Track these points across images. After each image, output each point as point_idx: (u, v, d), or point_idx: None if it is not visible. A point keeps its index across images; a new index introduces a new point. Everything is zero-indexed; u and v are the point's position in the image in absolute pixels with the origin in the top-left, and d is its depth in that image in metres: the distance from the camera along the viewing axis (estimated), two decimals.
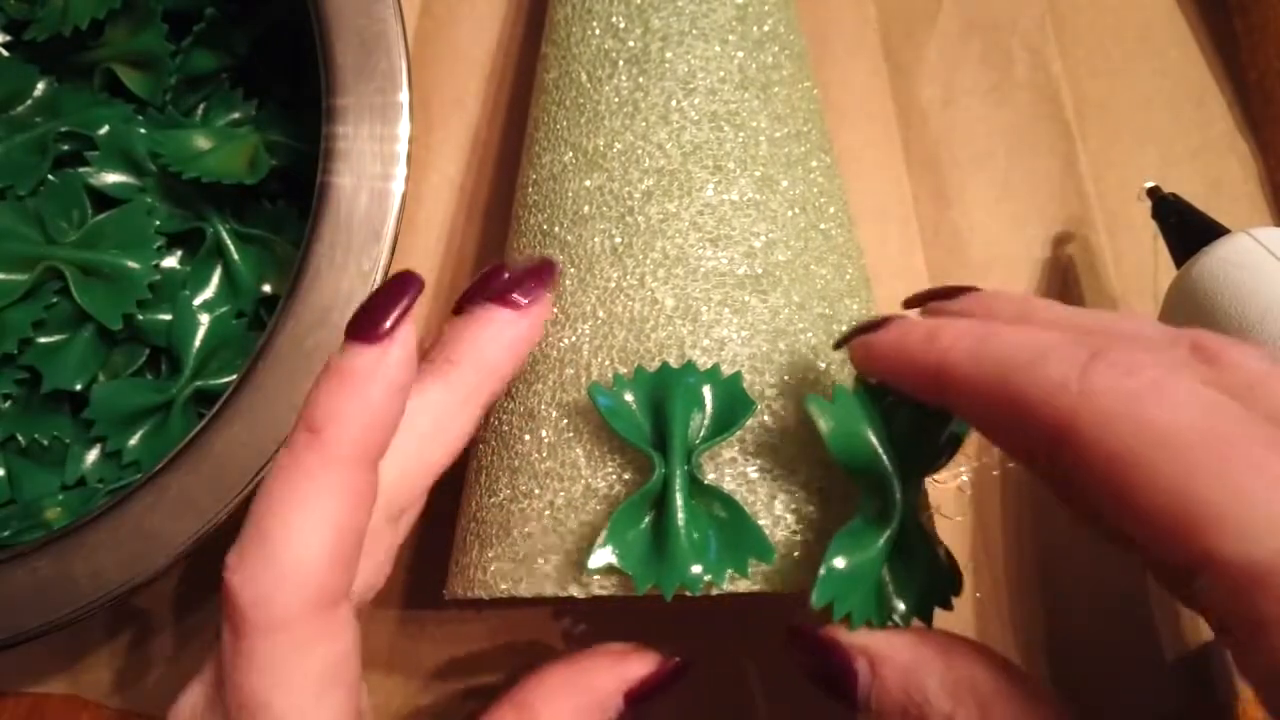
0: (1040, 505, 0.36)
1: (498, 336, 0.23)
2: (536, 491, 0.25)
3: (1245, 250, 0.29)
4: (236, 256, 0.32)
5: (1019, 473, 0.36)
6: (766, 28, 0.30)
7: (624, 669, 0.24)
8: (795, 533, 0.24)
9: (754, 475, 0.24)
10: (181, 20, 0.32)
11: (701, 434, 0.24)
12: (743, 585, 0.23)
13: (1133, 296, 0.38)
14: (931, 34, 0.40)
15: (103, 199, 0.32)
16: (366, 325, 0.21)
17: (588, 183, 0.28)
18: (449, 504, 0.33)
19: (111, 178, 0.32)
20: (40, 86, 0.33)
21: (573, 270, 0.27)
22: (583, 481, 0.24)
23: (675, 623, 0.33)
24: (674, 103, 0.28)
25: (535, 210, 0.29)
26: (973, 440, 0.36)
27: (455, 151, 0.37)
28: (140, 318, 0.32)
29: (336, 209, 0.27)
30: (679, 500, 0.23)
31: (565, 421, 0.25)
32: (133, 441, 0.31)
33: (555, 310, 0.27)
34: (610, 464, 0.24)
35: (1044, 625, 0.35)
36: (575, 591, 0.23)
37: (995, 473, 0.36)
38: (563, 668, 0.24)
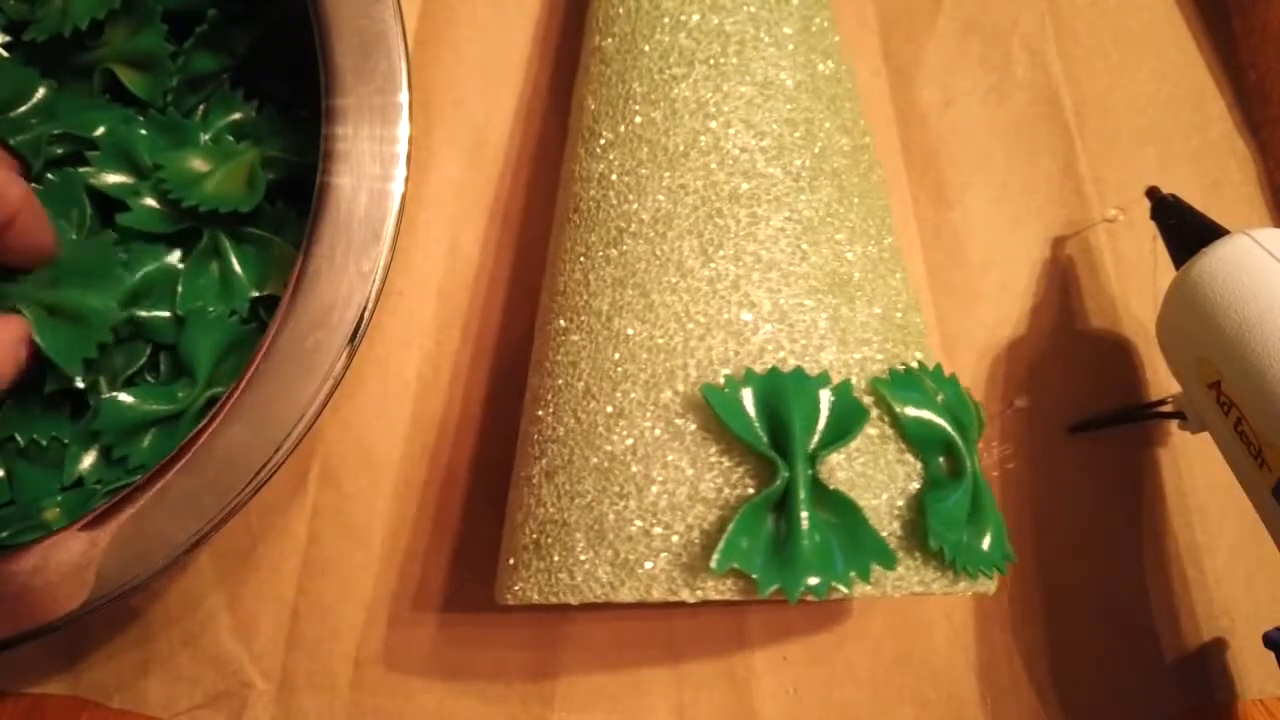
0: (1040, 506, 0.36)
1: None
2: (633, 492, 0.25)
3: (1245, 251, 0.29)
4: (234, 257, 0.32)
5: (1019, 474, 0.36)
6: (827, 41, 0.31)
7: None
8: (899, 535, 0.24)
9: (860, 481, 0.24)
10: (182, 21, 0.32)
11: (817, 440, 0.24)
12: (860, 590, 0.24)
13: (1132, 297, 0.38)
14: (931, 35, 0.40)
15: (103, 199, 0.32)
16: None
17: (668, 180, 0.27)
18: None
19: (111, 178, 0.32)
20: (40, 88, 0.33)
21: (656, 268, 0.27)
22: (687, 484, 0.24)
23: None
24: (754, 106, 0.28)
25: (605, 206, 0.28)
26: None
27: (455, 151, 0.37)
28: (141, 315, 0.32)
29: (336, 209, 0.27)
30: (803, 504, 0.23)
31: (663, 423, 0.25)
32: (140, 448, 0.31)
33: (641, 309, 0.26)
34: (717, 467, 0.24)
35: (1044, 626, 0.35)
36: (686, 596, 0.23)
37: (995, 474, 0.36)
38: None
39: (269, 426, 0.26)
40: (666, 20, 0.29)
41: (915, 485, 0.25)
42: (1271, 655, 0.31)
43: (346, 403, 0.34)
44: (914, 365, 0.27)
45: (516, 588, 0.26)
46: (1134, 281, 0.38)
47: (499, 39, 0.38)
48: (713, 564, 0.23)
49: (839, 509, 0.24)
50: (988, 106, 0.39)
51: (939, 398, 0.26)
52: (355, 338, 0.26)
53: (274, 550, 0.33)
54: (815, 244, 0.27)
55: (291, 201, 0.33)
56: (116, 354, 0.32)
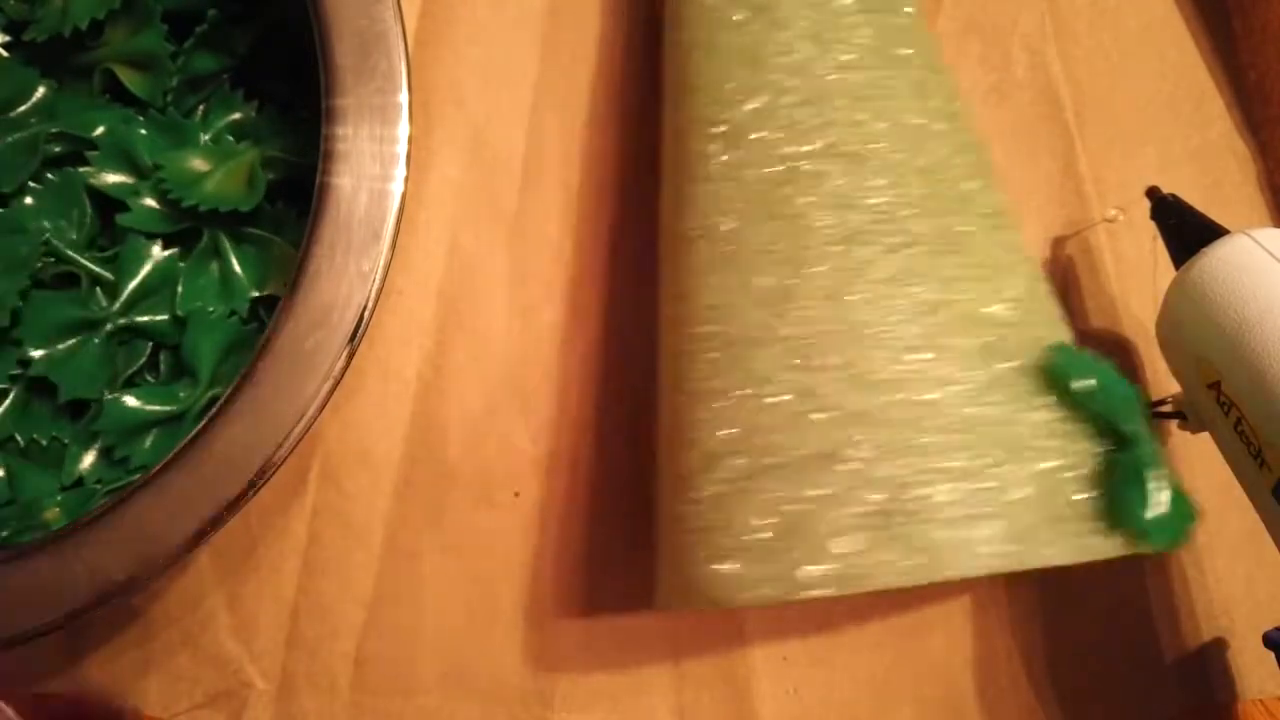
0: None
1: None
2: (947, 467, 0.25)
3: (1245, 251, 0.29)
4: (234, 257, 0.32)
5: None
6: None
7: None
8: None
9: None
10: (182, 21, 0.32)
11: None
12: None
13: (1132, 297, 0.38)
14: (932, 34, 0.40)
15: (103, 199, 0.32)
16: None
17: (847, 222, 0.28)
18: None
19: (111, 178, 0.32)
20: (40, 87, 0.33)
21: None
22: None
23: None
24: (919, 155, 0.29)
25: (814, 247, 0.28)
26: None
27: (455, 151, 0.37)
28: (139, 320, 0.32)
29: (336, 209, 0.27)
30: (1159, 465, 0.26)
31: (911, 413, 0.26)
32: (142, 449, 0.31)
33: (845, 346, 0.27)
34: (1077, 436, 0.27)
35: (1044, 627, 0.35)
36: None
37: None
38: None
39: (269, 426, 0.26)
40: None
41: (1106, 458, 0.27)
42: (1271, 655, 0.31)
43: (346, 403, 0.34)
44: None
45: (750, 590, 0.26)
46: (1134, 281, 0.38)
47: (499, 39, 0.38)
48: (1132, 522, 0.25)
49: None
50: (988, 106, 0.39)
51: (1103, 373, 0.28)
52: (355, 338, 0.26)
53: (274, 550, 0.33)
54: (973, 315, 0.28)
55: (291, 201, 0.33)
56: (117, 354, 0.32)
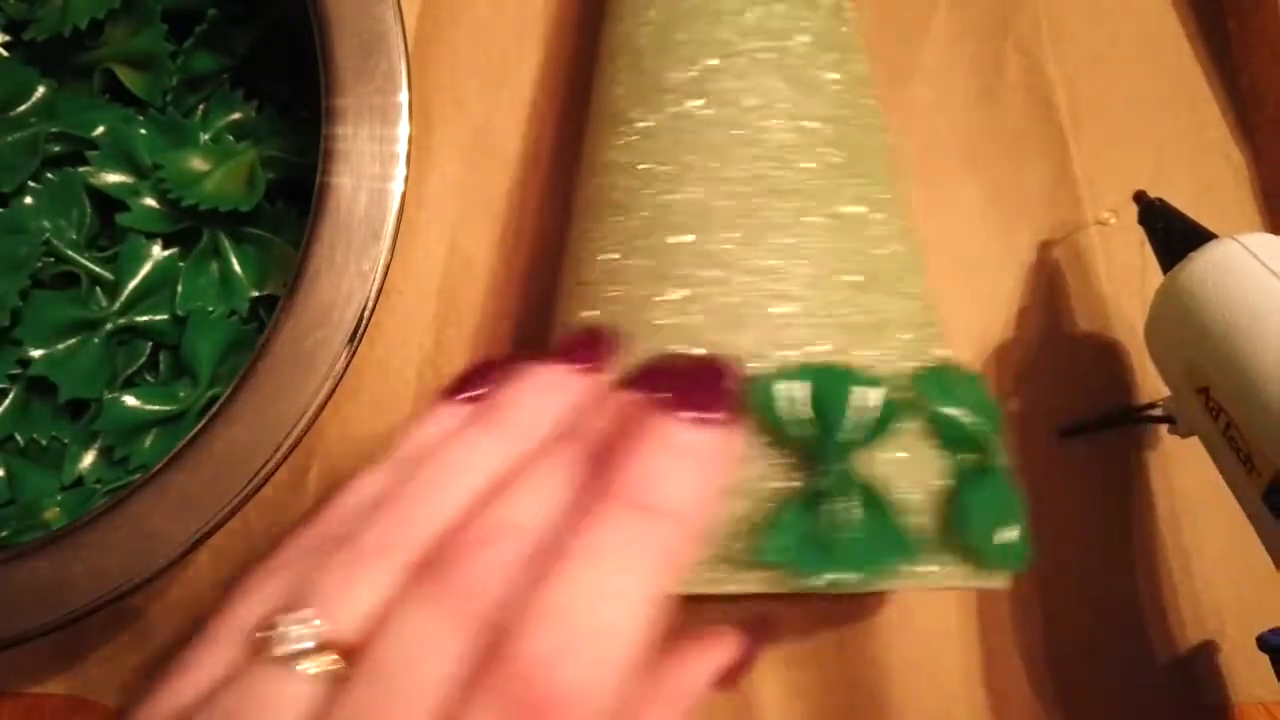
0: (1032, 509, 0.36)
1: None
2: None
3: (1232, 256, 0.29)
4: (233, 256, 0.32)
5: (1017, 470, 0.36)
6: (856, 41, 0.31)
7: (711, 656, 0.24)
8: (931, 530, 0.25)
9: (896, 475, 0.25)
10: (182, 20, 0.32)
11: (859, 435, 0.24)
12: (896, 583, 0.24)
13: (1124, 300, 0.38)
14: (926, 36, 0.40)
15: (103, 198, 0.32)
16: (706, 400, 0.18)
17: (707, 171, 0.28)
18: None
19: (111, 178, 0.32)
20: (39, 87, 0.33)
21: (694, 260, 0.27)
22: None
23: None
24: (795, 101, 0.28)
25: (641, 197, 0.28)
26: None
27: (455, 151, 0.37)
28: (139, 319, 0.32)
29: (336, 209, 0.27)
30: (844, 497, 0.23)
31: None
32: (142, 449, 0.31)
33: (676, 299, 0.26)
34: (762, 460, 0.24)
35: (1040, 629, 0.35)
36: (732, 589, 0.23)
37: None
38: (650, 670, 0.21)
39: (269, 426, 0.26)
40: (705, 11, 0.29)
41: (947, 480, 0.25)
42: (1260, 658, 0.30)
43: (346, 403, 0.34)
44: (944, 362, 0.27)
45: None
46: (1126, 285, 0.38)
47: (499, 39, 0.38)
48: (755, 555, 0.23)
49: (872, 503, 0.24)
50: (982, 108, 0.39)
51: (971, 394, 0.26)
52: (355, 337, 0.26)
53: (274, 550, 0.33)
54: (853, 239, 0.27)
55: (291, 201, 0.33)
56: (117, 354, 0.32)
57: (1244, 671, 0.35)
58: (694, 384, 0.18)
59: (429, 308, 0.36)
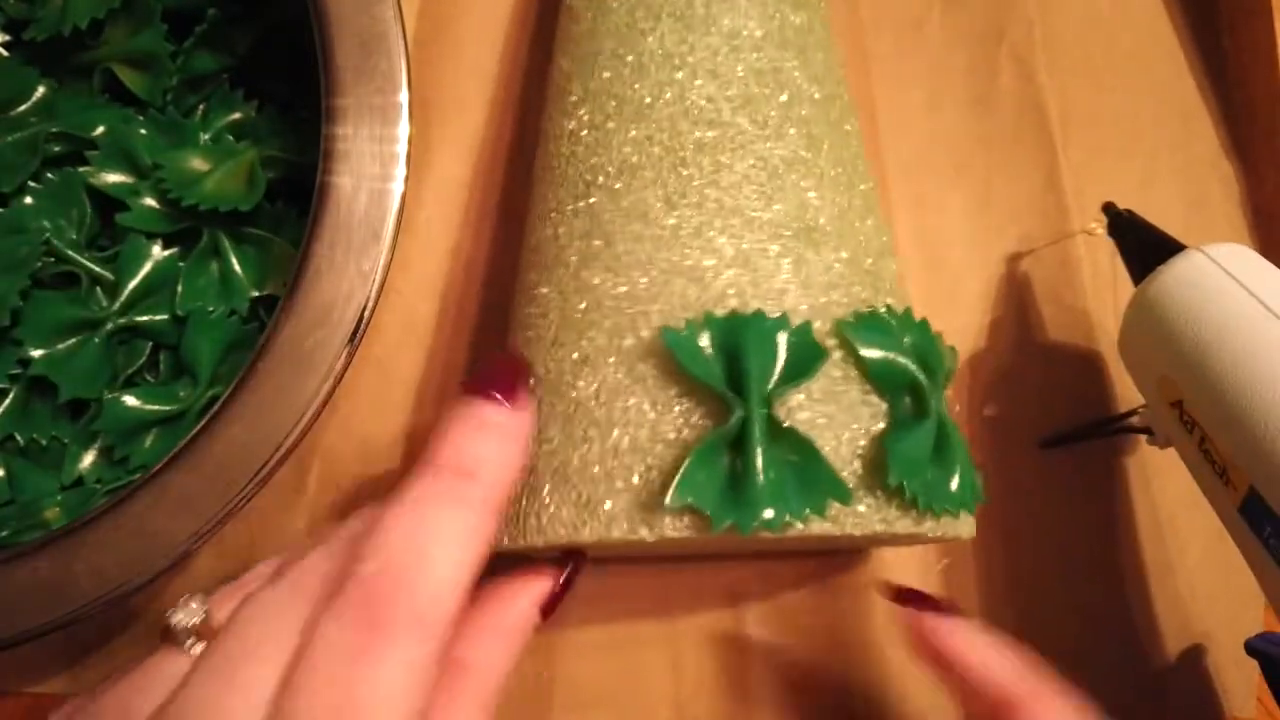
0: (1009, 516, 0.36)
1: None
2: (596, 436, 0.25)
3: (1199, 269, 0.29)
4: (234, 256, 0.32)
5: (987, 480, 0.36)
6: None
7: (531, 587, 0.26)
8: (860, 474, 0.25)
9: (821, 421, 0.25)
10: (182, 20, 0.32)
11: (775, 380, 0.24)
12: (818, 526, 0.24)
13: (1108, 310, 0.38)
14: (919, 42, 0.40)
15: (103, 198, 0.32)
16: (505, 388, 0.24)
17: (634, 133, 0.28)
18: None
19: (111, 178, 0.32)
20: (39, 87, 0.33)
21: (622, 220, 0.27)
22: (648, 426, 0.24)
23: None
24: (720, 57, 0.28)
25: (574, 161, 0.29)
26: None
27: (455, 151, 0.37)
28: (139, 319, 0.32)
29: (336, 209, 0.27)
30: (758, 441, 0.23)
31: (625, 368, 0.25)
32: (142, 448, 0.31)
33: (607, 259, 0.27)
34: (677, 408, 0.24)
35: (1023, 638, 0.35)
36: (645, 534, 0.24)
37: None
38: (480, 605, 0.25)
39: (269, 426, 0.26)
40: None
41: (879, 425, 0.25)
42: (1250, 662, 0.30)
43: (346, 402, 0.34)
44: (881, 309, 0.27)
45: (496, 537, 0.26)
46: (1110, 295, 0.38)
47: (499, 39, 0.38)
48: (667, 500, 0.23)
49: (797, 447, 0.24)
50: (973, 114, 0.39)
51: (905, 339, 0.26)
52: (355, 337, 0.26)
53: (274, 550, 0.33)
54: (780, 190, 0.27)
55: (291, 201, 0.33)
56: (117, 354, 0.32)
57: (1233, 677, 0.35)
58: (494, 374, 0.24)
59: (429, 308, 0.36)
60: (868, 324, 0.26)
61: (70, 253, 0.32)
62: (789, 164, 0.28)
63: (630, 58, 0.29)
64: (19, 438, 0.31)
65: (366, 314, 0.27)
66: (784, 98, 0.29)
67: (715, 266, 0.26)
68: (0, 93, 0.32)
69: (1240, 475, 0.27)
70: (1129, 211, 0.33)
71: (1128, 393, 0.37)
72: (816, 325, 0.25)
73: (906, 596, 0.28)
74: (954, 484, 0.26)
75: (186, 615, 0.21)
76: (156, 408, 0.31)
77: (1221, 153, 0.40)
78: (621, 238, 0.27)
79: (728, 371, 0.24)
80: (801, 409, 0.25)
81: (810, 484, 0.24)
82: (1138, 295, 0.31)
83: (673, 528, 0.23)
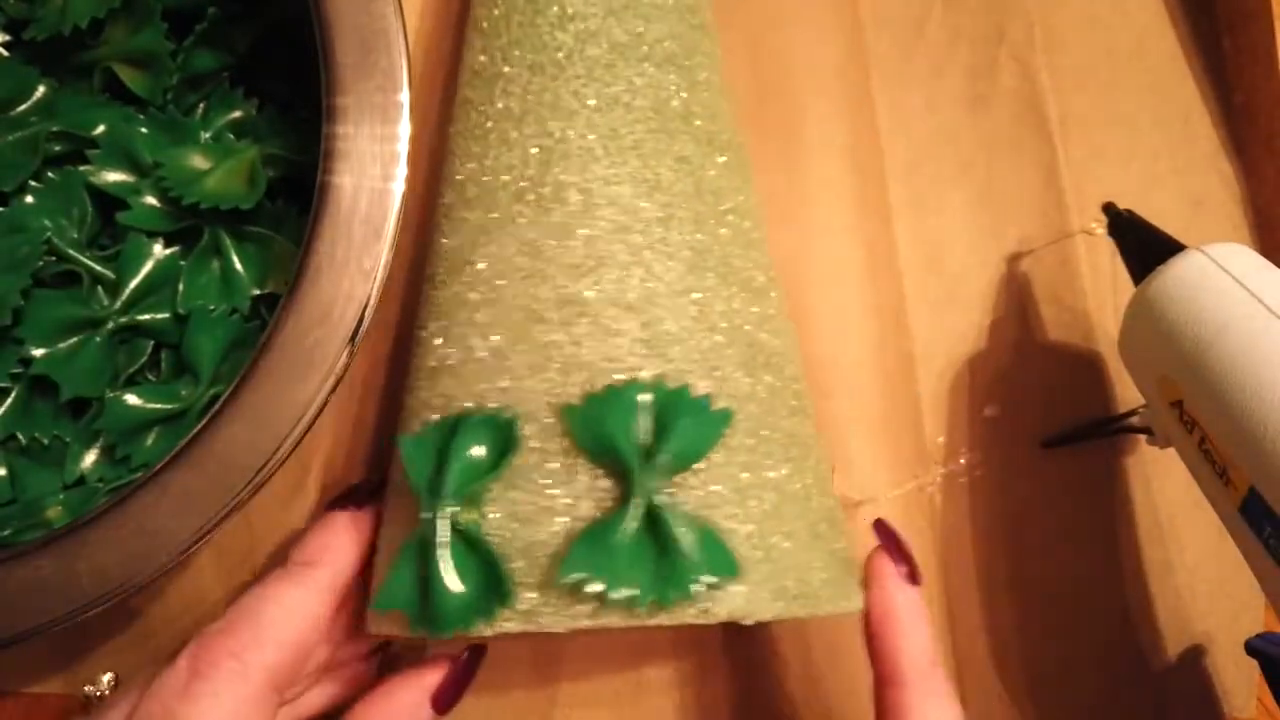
0: (1010, 512, 0.36)
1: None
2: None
3: (1198, 268, 0.29)
4: (235, 255, 0.32)
5: (987, 480, 0.36)
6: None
7: (422, 680, 0.27)
8: (544, 571, 0.24)
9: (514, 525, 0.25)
10: (182, 19, 0.32)
11: (462, 480, 0.24)
12: (510, 626, 0.24)
13: (1108, 310, 0.38)
14: (919, 41, 0.40)
15: (103, 197, 0.32)
16: (351, 499, 0.29)
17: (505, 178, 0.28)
18: None
19: (112, 176, 0.32)
20: (40, 86, 0.33)
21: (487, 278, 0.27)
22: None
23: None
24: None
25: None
26: (940, 447, 0.36)
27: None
28: (141, 318, 0.32)
29: (337, 207, 0.27)
30: (441, 547, 0.24)
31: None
32: (143, 447, 0.31)
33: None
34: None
35: (1014, 631, 0.35)
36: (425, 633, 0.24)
37: (963, 480, 0.36)
38: (369, 698, 0.27)
39: (269, 425, 0.26)
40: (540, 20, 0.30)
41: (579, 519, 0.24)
42: (1250, 662, 0.30)
43: (348, 401, 0.34)
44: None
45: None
46: (1110, 295, 0.38)
47: None
48: (371, 604, 0.26)
49: (481, 550, 0.24)
50: (973, 114, 0.39)
51: (636, 423, 0.24)
52: (356, 336, 0.26)
53: (274, 550, 0.33)
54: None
55: (292, 199, 0.33)
56: (118, 353, 0.32)
57: (1229, 677, 0.35)
58: (349, 493, 0.30)
59: None
60: (593, 408, 0.25)
61: (71, 252, 0.32)
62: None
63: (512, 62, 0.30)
64: (21, 437, 0.31)
65: (367, 312, 0.27)
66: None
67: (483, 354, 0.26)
68: (0, 92, 0.32)
69: (1240, 475, 0.27)
70: (1129, 211, 0.33)
71: (1128, 393, 0.37)
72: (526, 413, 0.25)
73: (884, 532, 0.29)
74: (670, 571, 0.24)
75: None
76: (158, 406, 0.31)
77: (1221, 153, 0.40)
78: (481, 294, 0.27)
79: (433, 467, 0.25)
80: (491, 507, 0.24)
81: (493, 585, 0.23)
82: (1138, 295, 0.31)
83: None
